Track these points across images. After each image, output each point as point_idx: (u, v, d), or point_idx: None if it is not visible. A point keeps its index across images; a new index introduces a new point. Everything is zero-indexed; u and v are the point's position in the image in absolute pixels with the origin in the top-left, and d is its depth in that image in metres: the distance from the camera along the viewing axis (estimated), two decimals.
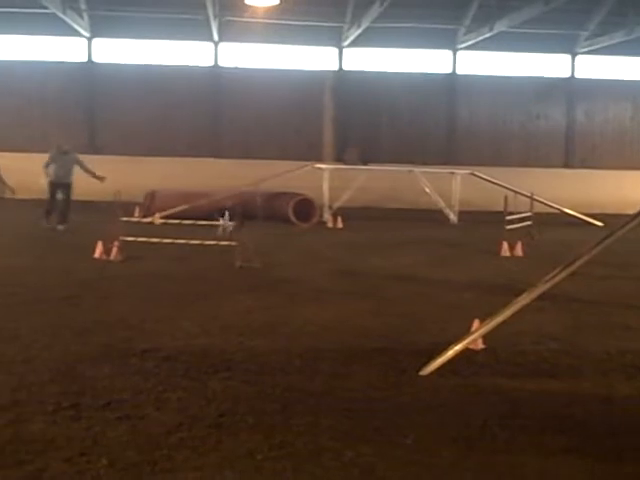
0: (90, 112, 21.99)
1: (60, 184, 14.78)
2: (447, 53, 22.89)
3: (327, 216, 17.24)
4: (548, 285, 6.40)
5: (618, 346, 7.03)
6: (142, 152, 20.80)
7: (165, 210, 15.27)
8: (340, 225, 16.62)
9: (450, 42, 22.60)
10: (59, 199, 14.89)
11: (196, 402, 5.13)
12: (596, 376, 6.11)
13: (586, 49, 22.54)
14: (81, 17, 20.97)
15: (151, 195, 17.05)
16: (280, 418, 4.88)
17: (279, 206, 16.88)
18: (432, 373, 5.89)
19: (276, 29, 21.23)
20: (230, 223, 12.86)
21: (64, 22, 19.68)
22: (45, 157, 14.86)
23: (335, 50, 22.66)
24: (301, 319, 7.67)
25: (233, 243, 10.73)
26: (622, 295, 9.67)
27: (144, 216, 15.53)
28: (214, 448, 4.37)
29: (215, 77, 22.31)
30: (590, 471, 4.29)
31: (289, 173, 17.38)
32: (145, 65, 22.13)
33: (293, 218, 16.45)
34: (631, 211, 6.37)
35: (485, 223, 16.16)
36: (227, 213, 13.35)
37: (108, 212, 12.40)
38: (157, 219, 14.35)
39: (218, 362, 6.05)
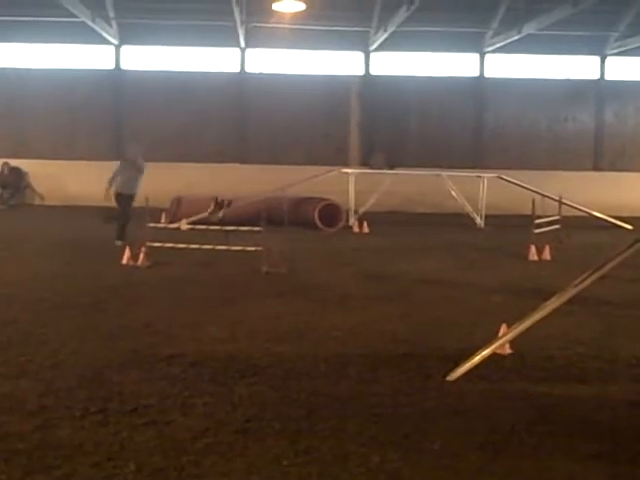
0: (117, 119, 22.17)
1: (124, 195, 13.26)
2: (474, 56, 22.77)
3: (353, 221, 17.21)
4: (577, 289, 6.34)
5: None
6: (169, 158, 20.92)
7: (191, 216, 15.33)
8: (366, 230, 16.58)
9: (477, 45, 22.49)
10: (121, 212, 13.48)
11: (222, 407, 5.15)
12: (625, 381, 6.04)
13: (615, 50, 22.30)
14: (110, 25, 21.16)
15: (177, 201, 17.14)
16: (306, 423, 4.88)
17: (305, 211, 16.88)
18: (459, 378, 5.85)
19: (302, 34, 21.27)
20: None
21: (93, 30, 19.88)
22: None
23: (362, 55, 22.65)
24: (327, 324, 7.67)
25: (260, 248, 10.75)
26: None
27: (170, 222, 15.61)
28: (240, 454, 4.38)
29: (241, 83, 22.40)
30: (618, 476, 4.24)
31: (315, 178, 17.39)
32: (172, 72, 22.27)
33: (319, 223, 16.44)
34: None
35: (512, 227, 16.04)
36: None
37: (136, 218, 12.51)
38: (184, 225, 14.43)
39: (244, 367, 6.07)
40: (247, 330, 7.37)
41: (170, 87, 21.88)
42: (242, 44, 21.99)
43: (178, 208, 16.75)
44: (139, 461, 4.22)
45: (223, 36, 21.63)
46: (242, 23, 20.95)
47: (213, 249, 11.28)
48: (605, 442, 4.74)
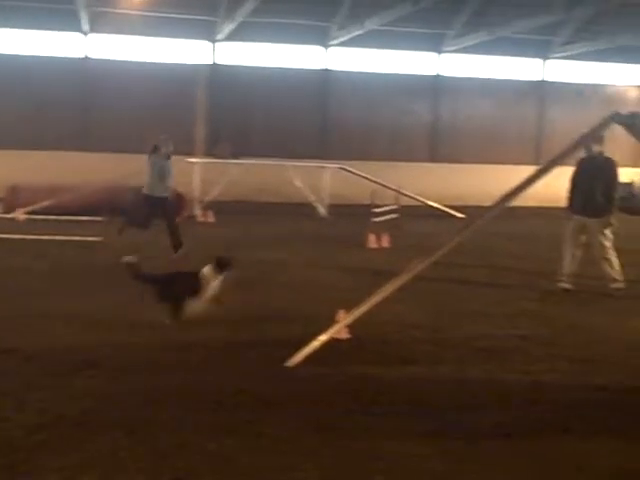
0: None
1: (154, 198, 11.51)
2: (320, 49, 23.15)
3: (198, 210, 17.11)
4: (410, 275, 6.60)
5: (473, 331, 7.43)
6: (6, 145, 19.92)
7: (29, 205, 14.74)
8: (211, 219, 16.55)
9: (323, 38, 22.86)
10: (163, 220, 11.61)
11: (59, 402, 5.03)
12: (453, 361, 6.42)
13: (452, 48, 23.35)
14: None
15: (12, 190, 16.37)
16: (144, 414, 4.86)
17: None
18: (299, 364, 6.00)
19: (150, 21, 20.81)
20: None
21: None
22: None
23: (209, 44, 22.45)
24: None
25: (100, 239, 10.49)
26: (478, 282, 10.17)
27: (6, 212, 14.94)
28: (76, 448, 4.31)
29: (85, 69, 21.64)
30: (447, 452, 4.51)
31: None
32: (10, 55, 21.19)
33: None
34: (492, 203, 6.73)
35: (354, 216, 16.45)
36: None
37: None
38: (21, 215, 13.87)
39: (82, 360, 5.94)
40: (85, 322, 7.20)
41: (8, 71, 20.81)
42: (85, 29, 21.27)
43: (14, 197, 16.03)
44: None
45: (65, 20, 20.84)
46: (85, 7, 20.26)
47: (52, 240, 10.91)
48: (436, 420, 5.03)
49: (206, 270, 7.44)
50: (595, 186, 9.51)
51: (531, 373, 6.17)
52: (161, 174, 11.37)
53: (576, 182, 9.72)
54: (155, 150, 11.55)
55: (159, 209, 11.46)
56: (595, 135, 6.52)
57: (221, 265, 7.51)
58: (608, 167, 9.63)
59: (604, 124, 6.55)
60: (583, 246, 9.72)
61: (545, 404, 5.44)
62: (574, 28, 22.76)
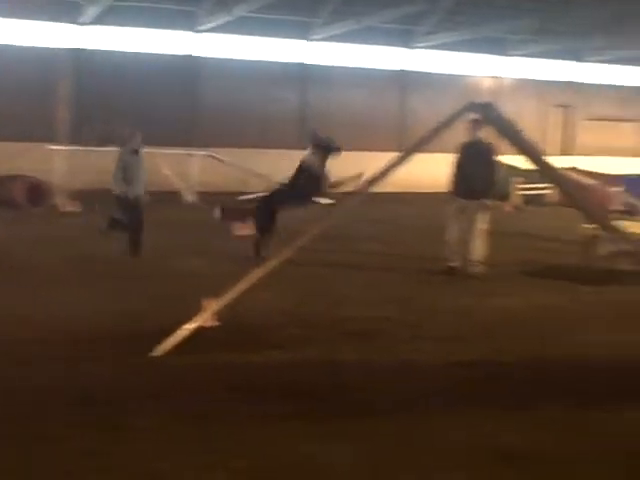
0: None
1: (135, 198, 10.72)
2: (189, 35, 22.77)
3: (60, 199, 16.48)
4: (278, 260, 6.63)
5: (341, 315, 7.56)
6: None
7: None
8: (78, 209, 15.99)
9: (190, 24, 22.48)
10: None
11: None
12: (322, 344, 6.52)
13: (320, 36, 23.53)
14: None
15: None
16: (4, 411, 4.70)
17: (7, 190, 15.93)
18: (167, 354, 5.92)
19: (13, 2, 19.79)
20: None
21: None
22: None
23: (74, 27, 21.53)
24: (30, 307, 7.35)
25: None
26: (344, 267, 10.33)
27: None
28: None
29: None
30: (311, 434, 4.57)
31: (21, 156, 16.46)
32: None
33: (23, 202, 15.61)
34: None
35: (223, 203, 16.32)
36: None
37: None
38: None
39: None
40: None
41: None
42: None
43: None
44: None
45: None
46: None
47: None
48: (302, 402, 5.11)
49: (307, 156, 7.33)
50: (476, 170, 9.89)
51: (398, 353, 6.36)
52: (131, 171, 10.56)
53: (458, 166, 10.09)
54: (124, 145, 10.79)
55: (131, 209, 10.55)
56: (449, 124, 6.73)
57: (320, 144, 7.55)
58: (488, 152, 10.03)
59: (459, 113, 6.78)
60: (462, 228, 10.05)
61: (410, 382, 5.62)
62: (438, 18, 23.38)
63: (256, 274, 6.54)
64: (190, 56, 22.88)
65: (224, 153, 18.50)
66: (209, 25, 21.98)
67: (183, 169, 18.33)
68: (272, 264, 6.59)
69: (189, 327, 6.17)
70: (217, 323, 6.62)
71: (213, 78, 22.88)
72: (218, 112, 22.75)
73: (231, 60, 23.21)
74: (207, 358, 5.95)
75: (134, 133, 10.92)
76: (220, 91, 22.93)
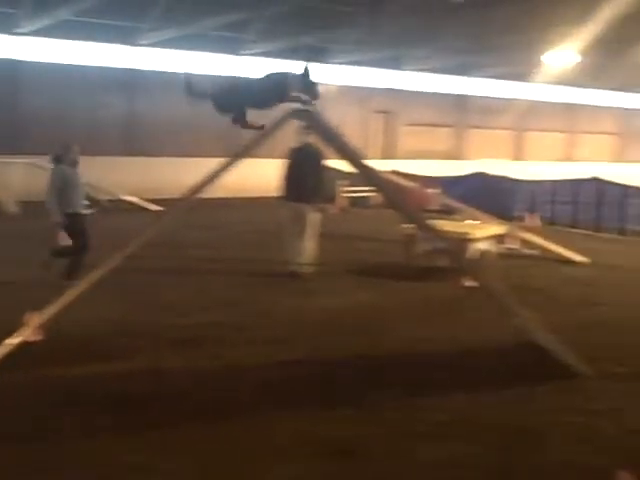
0: None
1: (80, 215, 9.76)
2: (7, 38, 21.72)
3: None
4: (104, 270, 6.56)
5: (169, 322, 7.59)
6: None
7: None
8: None
9: (7, 27, 21.48)
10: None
11: None
12: (149, 352, 6.53)
13: (147, 42, 23.18)
14: None
15: None
16: None
17: None
18: None
19: None
20: None
21: None
22: None
23: None
24: None
25: None
26: (173, 274, 10.31)
27: None
28: None
29: None
30: (130, 445, 4.60)
31: None
32: None
33: None
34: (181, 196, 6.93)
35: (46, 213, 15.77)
36: None
37: None
38: None
39: None
40: None
41: None
42: None
43: None
44: None
45: None
46: None
47: None
48: (126, 413, 5.13)
49: None
50: (305, 174, 10.19)
51: (226, 357, 6.47)
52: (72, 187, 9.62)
53: (288, 171, 10.35)
54: (59, 159, 9.80)
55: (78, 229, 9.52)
56: (274, 131, 6.97)
57: None
58: (316, 157, 10.32)
59: (283, 120, 7.02)
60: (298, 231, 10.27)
61: (237, 386, 5.75)
62: (262, 27, 23.66)
63: (82, 284, 6.46)
64: (8, 60, 21.87)
65: (48, 161, 17.81)
66: (30, 28, 21.11)
67: (3, 179, 17.52)
68: (99, 273, 6.52)
69: (11, 342, 5.99)
70: (41, 337, 6.47)
71: (35, 83, 21.99)
72: (43, 118, 21.90)
73: (55, 65, 22.41)
74: (30, 374, 5.80)
75: (69, 145, 10.06)
76: (43, 97, 22.09)
